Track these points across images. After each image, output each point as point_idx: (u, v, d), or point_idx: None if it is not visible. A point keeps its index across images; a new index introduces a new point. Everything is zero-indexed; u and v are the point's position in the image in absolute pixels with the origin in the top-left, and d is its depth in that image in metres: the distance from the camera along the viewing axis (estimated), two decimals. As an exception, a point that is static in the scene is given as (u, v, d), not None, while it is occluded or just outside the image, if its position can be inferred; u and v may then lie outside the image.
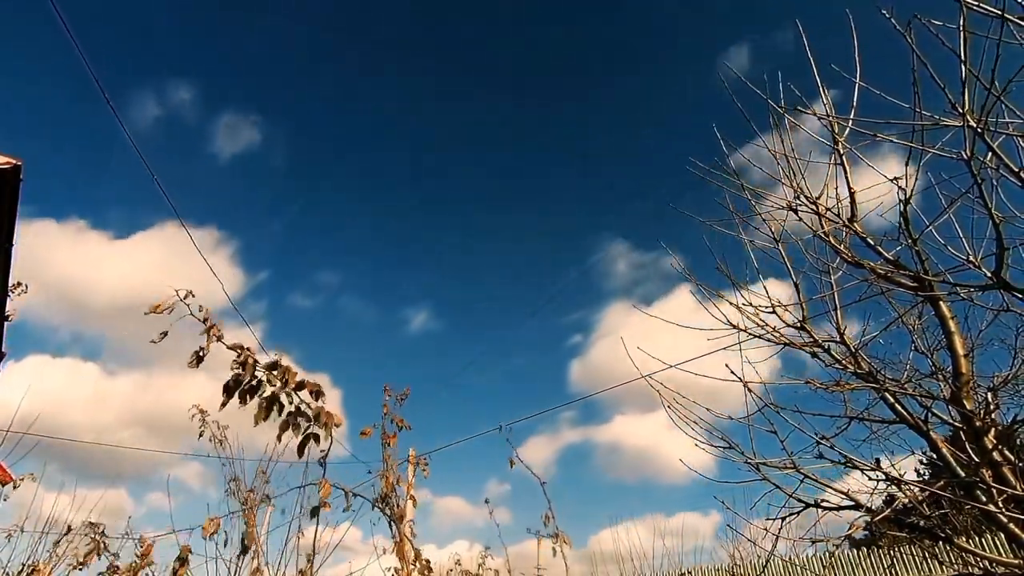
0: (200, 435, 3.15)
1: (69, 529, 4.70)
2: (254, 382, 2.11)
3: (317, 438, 2.19)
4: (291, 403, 2.16)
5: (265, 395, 2.11)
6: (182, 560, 2.23)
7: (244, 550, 2.49)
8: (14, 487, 5.88)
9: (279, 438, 2.15)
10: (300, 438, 2.16)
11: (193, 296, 2.12)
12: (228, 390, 2.08)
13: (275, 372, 2.12)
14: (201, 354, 2.09)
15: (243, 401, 2.10)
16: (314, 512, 2.50)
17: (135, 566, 2.33)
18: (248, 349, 2.12)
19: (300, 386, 2.17)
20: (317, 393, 2.19)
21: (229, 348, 2.10)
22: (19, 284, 8.25)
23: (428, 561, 3.01)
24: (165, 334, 2.14)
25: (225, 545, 2.74)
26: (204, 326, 2.11)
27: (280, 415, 2.14)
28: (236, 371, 2.07)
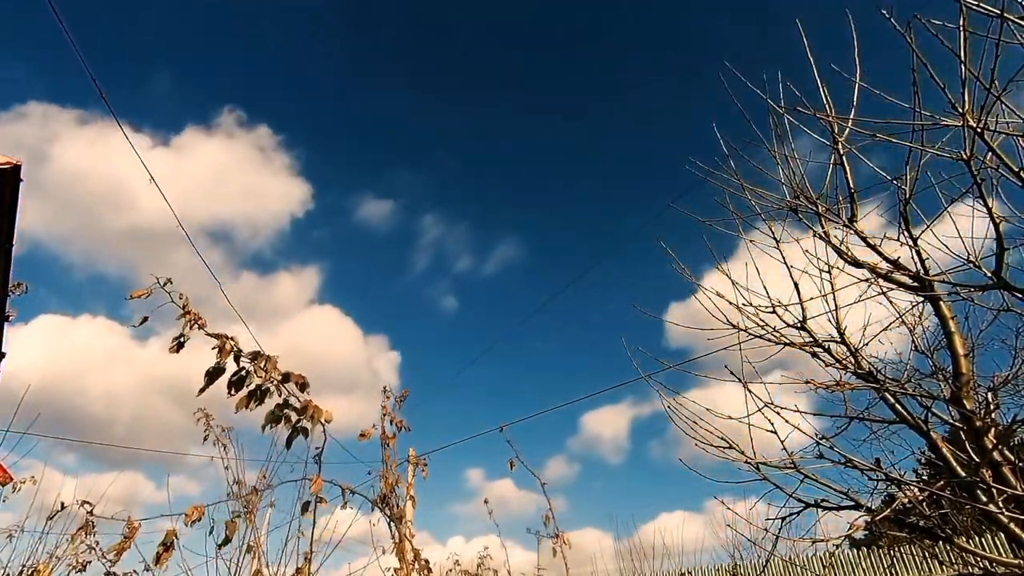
0: (205, 439, 3.15)
1: (63, 506, 4.71)
2: (242, 372, 2.12)
3: (306, 432, 2.19)
4: (280, 396, 2.16)
5: (251, 386, 2.11)
6: (166, 545, 2.22)
7: (226, 541, 2.48)
8: (14, 488, 5.87)
9: (264, 429, 2.16)
10: (289, 431, 2.16)
11: (171, 283, 2.14)
12: (210, 376, 2.09)
13: (258, 362, 2.13)
14: (181, 341, 2.11)
15: (229, 392, 2.11)
16: (305, 508, 2.49)
17: (120, 546, 2.31)
18: (232, 338, 2.12)
19: (286, 378, 2.17)
20: (303, 385, 2.19)
21: (209, 335, 2.11)
22: (19, 284, 8.24)
23: (427, 561, 3.01)
24: (146, 319, 2.15)
25: (218, 542, 2.74)
26: (184, 312, 2.11)
27: (259, 403, 2.14)
28: (217, 359, 2.08)
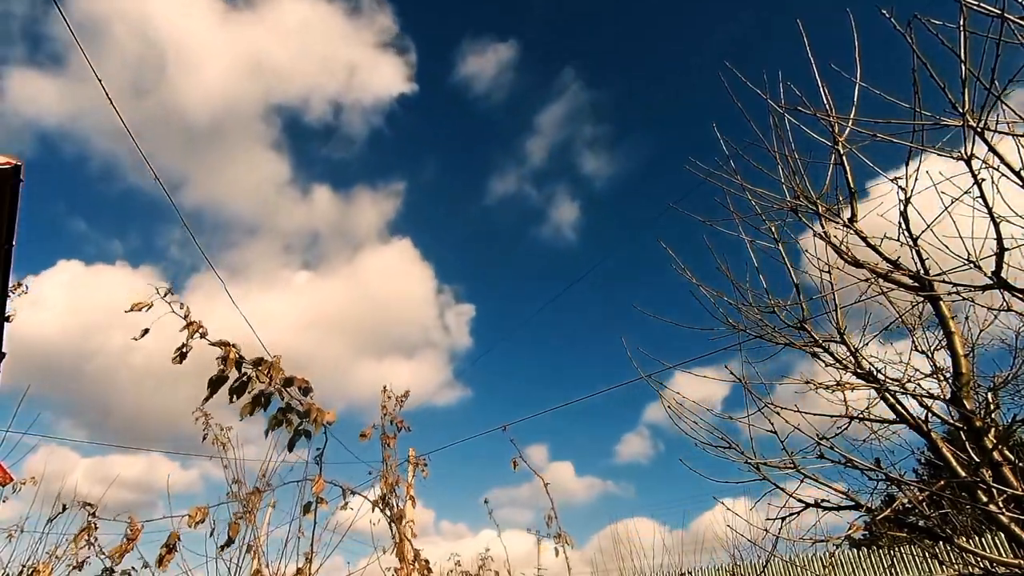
0: (204, 438, 3.14)
1: (64, 508, 4.71)
2: (244, 378, 2.12)
3: (308, 434, 2.19)
4: (282, 399, 2.17)
5: (253, 392, 2.12)
6: (169, 547, 2.22)
7: (229, 542, 2.49)
8: (14, 489, 5.88)
9: (266, 433, 2.16)
10: (291, 434, 2.16)
11: (172, 293, 2.14)
12: (212, 385, 2.10)
13: (261, 368, 2.13)
14: (184, 351, 2.11)
15: (231, 398, 2.11)
16: (307, 509, 2.50)
17: (122, 547, 2.31)
18: (234, 346, 2.12)
19: (288, 382, 2.18)
20: (306, 389, 2.20)
21: (212, 345, 2.11)
22: (19, 284, 8.24)
23: (427, 561, 3.01)
24: (147, 331, 2.16)
25: (211, 534, 2.74)
26: (187, 323, 2.12)
27: (264, 409, 2.14)
28: (220, 368, 2.08)
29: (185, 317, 2.13)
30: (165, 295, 2.13)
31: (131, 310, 2.09)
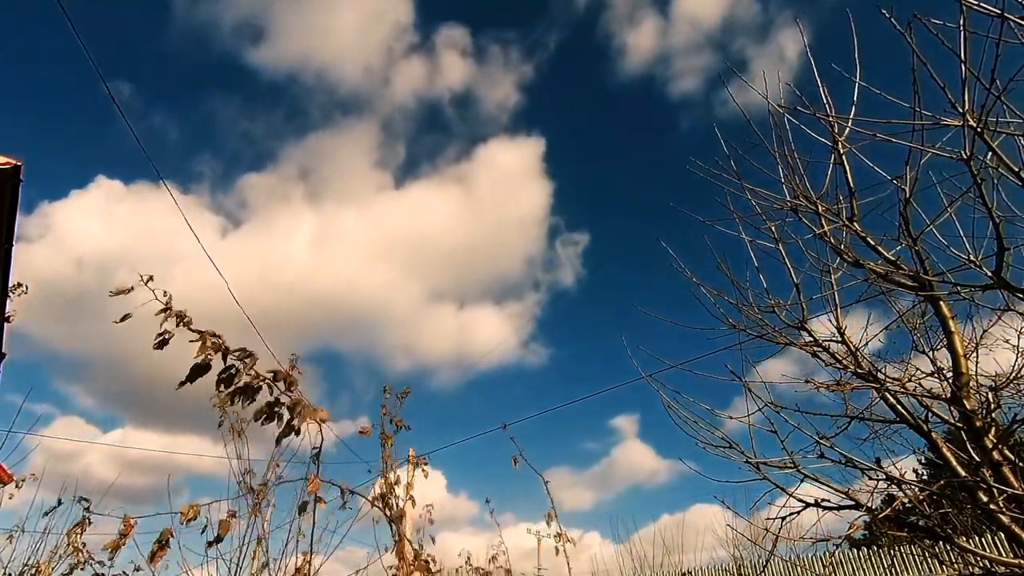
0: (220, 424, 3.11)
1: (59, 502, 4.74)
2: (232, 371, 2.13)
3: (297, 430, 2.19)
4: (272, 393, 2.17)
5: (239, 384, 2.12)
6: (162, 543, 2.22)
7: (218, 539, 2.49)
8: (16, 486, 5.88)
9: (253, 422, 2.17)
10: (281, 429, 2.17)
11: (152, 279, 2.16)
12: (194, 372, 2.11)
13: (247, 360, 2.14)
14: (166, 338, 2.13)
15: (218, 388, 2.12)
16: (302, 508, 2.49)
17: (115, 543, 2.31)
18: (217, 335, 2.13)
19: (276, 376, 2.18)
20: (290, 383, 2.20)
21: (194, 332, 2.12)
22: (19, 284, 8.24)
23: (427, 561, 3.01)
24: (128, 316, 2.17)
25: (203, 532, 2.74)
26: (165, 309, 2.13)
27: (251, 401, 2.15)
28: (198, 358, 2.10)
29: (167, 305, 2.15)
30: (147, 282, 2.16)
31: (115, 294, 2.13)
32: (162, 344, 2.14)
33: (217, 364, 2.16)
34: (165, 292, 2.18)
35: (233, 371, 2.13)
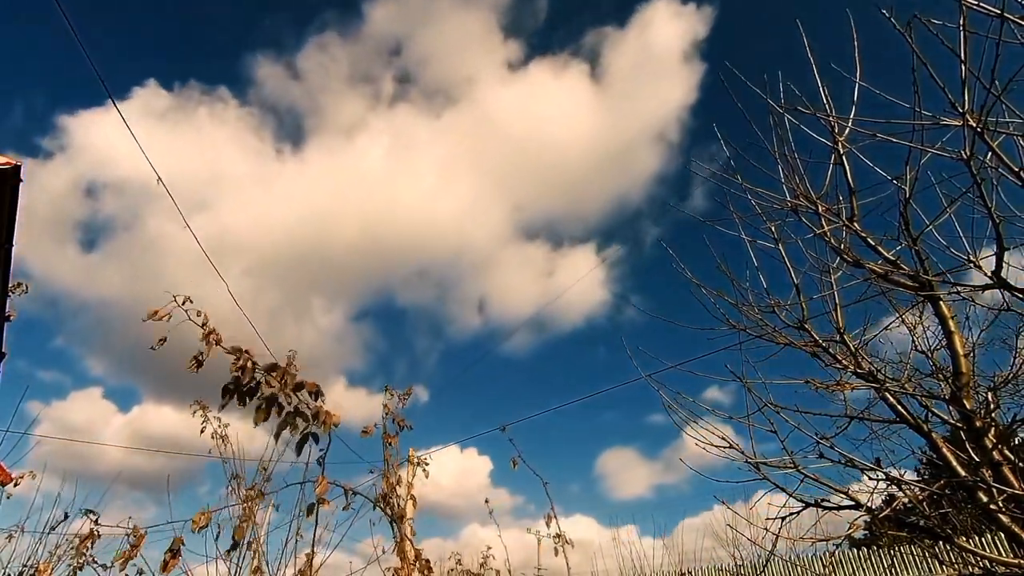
0: (201, 431, 3.14)
1: (66, 516, 4.75)
2: (253, 384, 2.13)
3: (316, 437, 2.21)
4: (290, 403, 2.18)
5: (264, 396, 2.13)
6: (173, 552, 2.23)
7: (235, 545, 2.50)
8: (15, 485, 5.88)
9: (276, 437, 2.17)
10: (299, 437, 2.18)
11: (191, 302, 2.15)
12: (227, 392, 2.11)
13: (274, 374, 2.14)
14: (200, 359, 2.13)
15: (242, 402, 2.12)
16: (311, 509, 2.50)
17: (126, 554, 2.32)
18: (247, 352, 2.13)
19: (299, 387, 2.19)
20: (316, 393, 2.21)
21: (228, 352, 2.12)
22: (19, 284, 8.23)
23: (428, 561, 3.02)
24: (164, 340, 2.17)
25: (217, 539, 2.74)
26: (203, 331, 2.13)
27: (279, 415, 2.16)
28: (235, 374, 2.10)
29: (203, 326, 2.15)
30: (184, 303, 2.15)
31: (148, 319, 2.11)
32: (199, 365, 2.16)
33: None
34: (200, 312, 2.18)
35: (255, 384, 2.14)
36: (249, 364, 2.10)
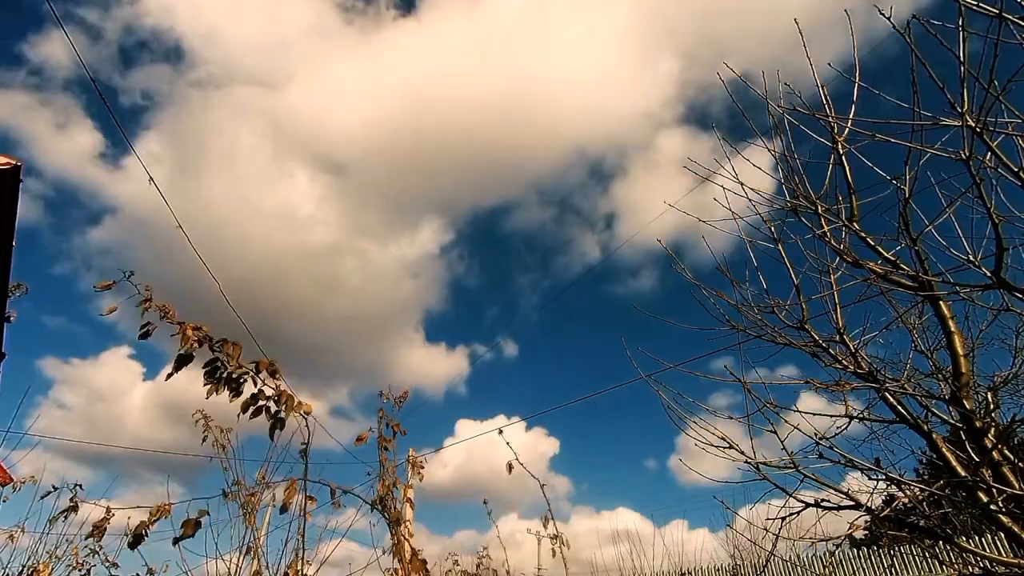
0: (204, 440, 3.14)
1: (65, 515, 4.74)
2: (217, 363, 2.14)
3: (282, 422, 2.20)
4: (256, 385, 2.18)
5: (223, 375, 2.14)
6: (137, 537, 2.24)
7: (184, 536, 2.49)
8: (14, 488, 5.88)
9: (239, 416, 2.19)
10: (270, 422, 2.18)
11: (133, 273, 2.21)
12: (179, 361, 2.14)
13: (225, 348, 2.16)
14: (148, 330, 2.16)
15: (206, 381, 2.14)
16: (284, 509, 2.48)
17: (94, 532, 2.34)
18: (200, 327, 2.15)
19: (257, 367, 2.19)
20: (272, 371, 2.21)
21: (171, 323, 2.15)
22: (19, 285, 8.24)
23: (425, 562, 3.01)
24: (115, 309, 2.22)
25: (217, 544, 2.74)
26: (145, 301, 2.17)
27: (236, 394, 2.16)
28: (184, 347, 2.12)
29: (146, 300, 2.18)
30: (129, 277, 2.19)
31: (99, 290, 2.17)
32: (146, 335, 2.19)
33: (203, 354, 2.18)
34: (147, 287, 2.22)
35: (218, 364, 2.15)
36: (189, 331, 2.11)
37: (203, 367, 2.16)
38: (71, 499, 2.89)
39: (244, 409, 2.18)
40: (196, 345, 2.13)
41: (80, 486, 3.08)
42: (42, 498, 4.37)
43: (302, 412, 2.22)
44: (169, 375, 2.15)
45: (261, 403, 2.19)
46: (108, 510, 2.41)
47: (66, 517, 3.11)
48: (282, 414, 2.18)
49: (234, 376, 2.15)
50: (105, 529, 2.42)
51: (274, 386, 2.21)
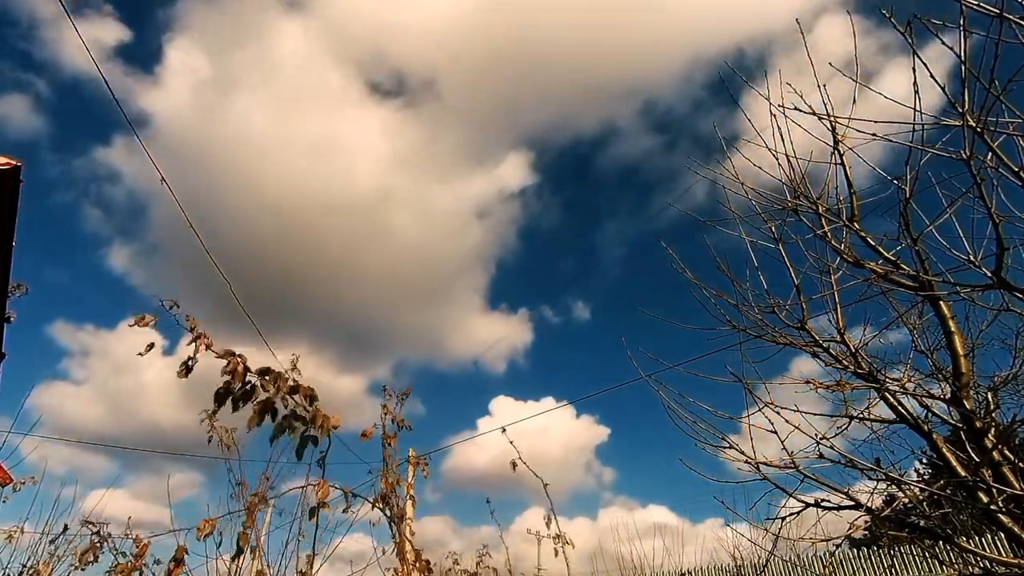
0: (209, 440, 3.13)
1: (66, 528, 4.74)
2: (247, 387, 2.11)
3: (315, 440, 2.19)
4: (286, 407, 2.17)
5: (259, 400, 2.11)
6: (177, 560, 2.23)
7: (239, 552, 2.50)
8: (14, 489, 5.89)
9: (272, 442, 2.16)
10: (298, 441, 2.16)
11: (178, 306, 2.13)
12: (219, 398, 2.09)
13: (267, 378, 2.13)
14: (190, 364, 2.10)
15: (235, 408, 2.10)
16: (312, 513, 2.50)
17: (129, 566, 2.33)
18: (240, 356, 2.12)
19: (293, 391, 2.17)
20: (311, 398, 2.20)
21: (218, 357, 2.10)
22: (19, 285, 8.23)
23: (428, 561, 3.01)
24: (152, 346, 2.18)
25: (219, 547, 2.75)
26: (193, 335, 2.11)
27: (273, 420, 2.14)
28: (226, 379, 2.08)
29: (191, 330, 2.12)
30: (171, 308, 2.13)
31: (133, 325, 2.10)
32: (187, 371, 2.12)
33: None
34: (189, 317, 2.14)
35: (249, 388, 2.11)
36: (240, 368, 2.08)
37: (234, 396, 2.09)
38: (93, 534, 2.87)
39: (278, 434, 2.15)
40: (235, 382, 2.08)
41: (93, 524, 3.07)
42: (51, 542, 4.33)
43: (330, 426, 2.22)
44: (212, 413, 2.11)
45: (297, 426, 2.17)
46: (139, 540, 2.39)
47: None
48: (313, 432, 2.18)
49: (270, 401, 2.12)
50: (142, 560, 2.39)
51: (311, 409, 2.19)
